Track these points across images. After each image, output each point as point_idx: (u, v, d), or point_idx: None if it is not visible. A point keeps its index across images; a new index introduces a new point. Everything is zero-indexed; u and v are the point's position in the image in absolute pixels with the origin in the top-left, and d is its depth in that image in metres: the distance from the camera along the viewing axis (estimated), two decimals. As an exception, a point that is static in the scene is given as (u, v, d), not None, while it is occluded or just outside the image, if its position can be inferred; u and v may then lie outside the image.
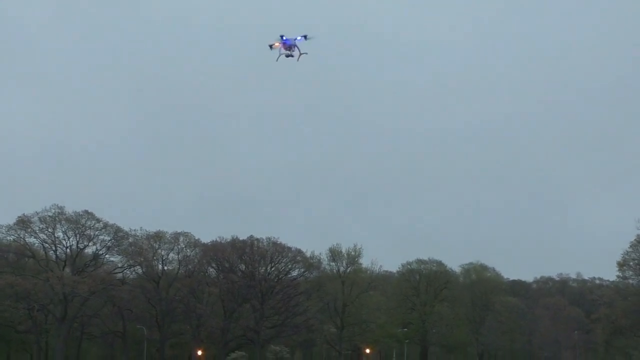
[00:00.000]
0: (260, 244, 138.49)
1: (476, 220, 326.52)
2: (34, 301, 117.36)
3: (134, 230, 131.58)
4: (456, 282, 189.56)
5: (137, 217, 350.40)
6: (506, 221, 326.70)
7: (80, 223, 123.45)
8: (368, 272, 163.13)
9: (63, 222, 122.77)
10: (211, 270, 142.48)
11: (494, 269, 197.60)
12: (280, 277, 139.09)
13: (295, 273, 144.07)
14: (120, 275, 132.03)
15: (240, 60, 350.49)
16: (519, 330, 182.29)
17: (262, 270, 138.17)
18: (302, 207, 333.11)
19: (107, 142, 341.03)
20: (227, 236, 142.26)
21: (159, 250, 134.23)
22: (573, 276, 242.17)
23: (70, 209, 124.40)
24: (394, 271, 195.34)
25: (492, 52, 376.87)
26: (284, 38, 45.31)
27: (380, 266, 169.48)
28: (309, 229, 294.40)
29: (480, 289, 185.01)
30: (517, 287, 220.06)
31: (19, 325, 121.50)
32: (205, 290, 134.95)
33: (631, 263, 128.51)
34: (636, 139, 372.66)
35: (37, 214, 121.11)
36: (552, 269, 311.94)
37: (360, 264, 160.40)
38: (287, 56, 46.02)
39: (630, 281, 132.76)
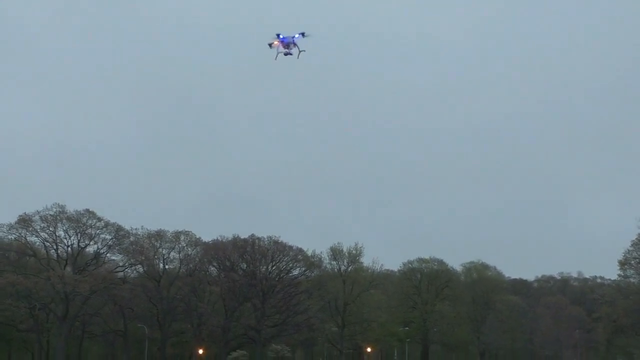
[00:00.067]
0: (261, 242, 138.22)
1: (477, 219, 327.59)
2: (35, 300, 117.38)
3: (135, 229, 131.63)
4: (457, 280, 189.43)
5: (138, 217, 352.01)
6: (507, 220, 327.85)
7: (82, 222, 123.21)
8: (369, 270, 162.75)
9: (64, 221, 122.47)
10: (212, 269, 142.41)
11: (495, 268, 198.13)
12: (281, 275, 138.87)
13: (296, 272, 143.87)
14: (121, 274, 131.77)
15: (240, 60, 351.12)
16: (520, 329, 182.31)
17: (263, 269, 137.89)
18: (302, 207, 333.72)
19: (107, 142, 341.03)
20: (228, 235, 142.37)
21: (160, 249, 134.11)
22: (574, 275, 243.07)
23: (72, 208, 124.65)
24: (395, 270, 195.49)
25: (492, 52, 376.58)
26: (281, 36, 45.06)
27: (382, 265, 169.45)
28: (310, 228, 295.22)
29: (481, 288, 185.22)
30: (519, 286, 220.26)
31: (20, 324, 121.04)
32: (207, 289, 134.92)
33: (632, 262, 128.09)
34: (637, 139, 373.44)
35: (38, 212, 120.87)
36: (554, 268, 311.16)
37: (361, 262, 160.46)
38: (286, 54, 45.77)
39: (632, 280, 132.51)
